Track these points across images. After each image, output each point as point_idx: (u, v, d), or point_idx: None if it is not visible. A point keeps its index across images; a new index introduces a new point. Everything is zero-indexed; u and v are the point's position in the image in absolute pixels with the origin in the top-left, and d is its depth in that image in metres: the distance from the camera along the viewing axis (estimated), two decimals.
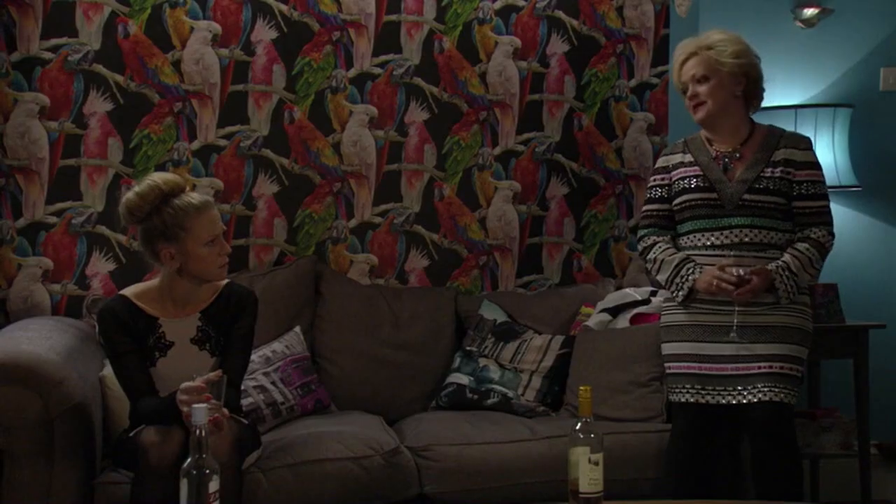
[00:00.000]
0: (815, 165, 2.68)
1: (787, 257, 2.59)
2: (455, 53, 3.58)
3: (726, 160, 2.66)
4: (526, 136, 3.65)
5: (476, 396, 3.15)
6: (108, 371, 2.61)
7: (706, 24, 3.51)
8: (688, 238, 2.71)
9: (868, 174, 3.64)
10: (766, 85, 2.74)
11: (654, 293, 3.28)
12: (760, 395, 2.52)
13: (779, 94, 3.59)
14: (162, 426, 2.30)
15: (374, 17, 3.51)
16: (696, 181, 2.67)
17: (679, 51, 2.75)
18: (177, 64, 3.35)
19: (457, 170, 3.60)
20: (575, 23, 3.68)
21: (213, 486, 1.81)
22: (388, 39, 3.52)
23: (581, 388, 2.09)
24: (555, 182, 3.67)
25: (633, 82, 3.73)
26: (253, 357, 2.78)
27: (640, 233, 2.82)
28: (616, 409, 2.96)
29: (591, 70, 3.70)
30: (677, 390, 2.65)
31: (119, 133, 3.31)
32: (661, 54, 3.72)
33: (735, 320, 2.55)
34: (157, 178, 2.44)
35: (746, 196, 2.61)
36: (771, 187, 2.61)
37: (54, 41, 3.25)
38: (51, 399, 2.42)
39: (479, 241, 3.61)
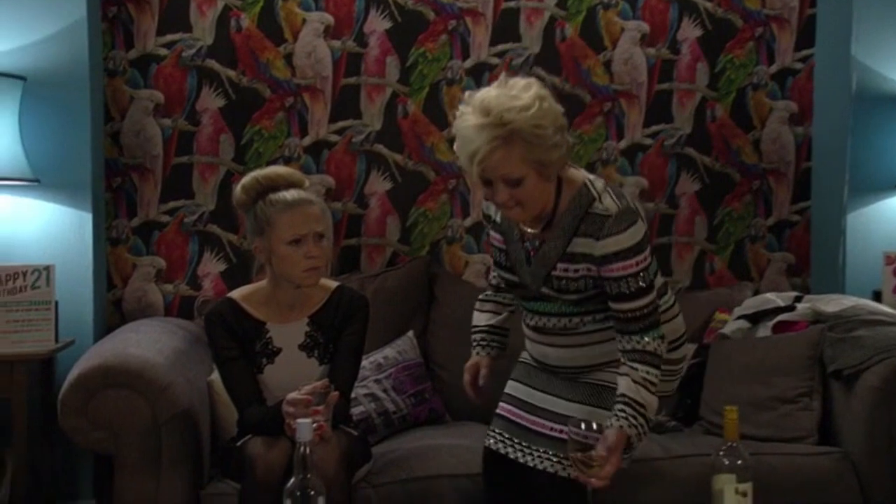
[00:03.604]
0: (619, 256, 2.00)
1: (625, 389, 2.00)
2: (578, 41, 3.38)
3: (528, 244, 2.13)
4: (654, 128, 3.45)
5: None
6: (216, 376, 2.53)
7: (860, 1, 3.21)
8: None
9: None
10: None
11: (798, 298, 3.02)
12: (548, 464, 2.10)
13: None
14: (268, 437, 2.20)
15: (492, 4, 3.36)
16: (501, 257, 2.20)
17: (470, 133, 1.94)
18: (288, 57, 3.27)
19: (579, 164, 3.38)
20: (709, 5, 3.46)
21: None
22: (506, 27, 3.36)
23: (727, 408, 1.87)
24: (685, 178, 3.47)
25: (773, 68, 3.50)
26: (364, 363, 2.66)
27: None
28: (757, 428, 2.70)
29: (726, 56, 3.48)
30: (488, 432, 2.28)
31: (231, 129, 3.26)
32: (807, 37, 3.46)
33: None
34: (263, 171, 2.37)
35: (544, 289, 2.11)
36: (563, 287, 2.08)
37: (169, 37, 3.22)
38: (158, 404, 2.36)
39: None
